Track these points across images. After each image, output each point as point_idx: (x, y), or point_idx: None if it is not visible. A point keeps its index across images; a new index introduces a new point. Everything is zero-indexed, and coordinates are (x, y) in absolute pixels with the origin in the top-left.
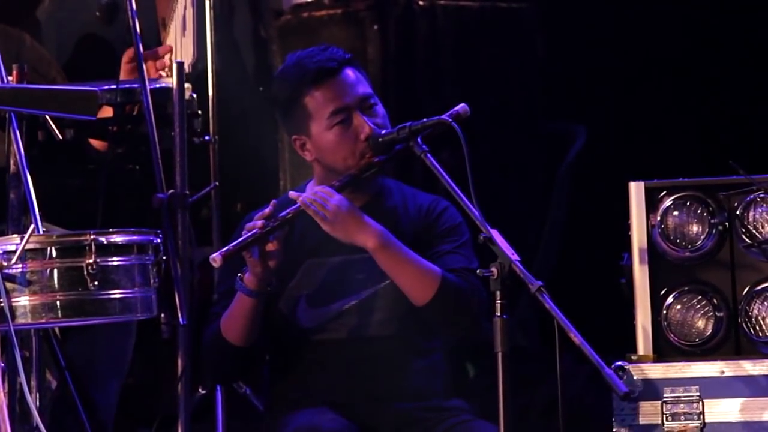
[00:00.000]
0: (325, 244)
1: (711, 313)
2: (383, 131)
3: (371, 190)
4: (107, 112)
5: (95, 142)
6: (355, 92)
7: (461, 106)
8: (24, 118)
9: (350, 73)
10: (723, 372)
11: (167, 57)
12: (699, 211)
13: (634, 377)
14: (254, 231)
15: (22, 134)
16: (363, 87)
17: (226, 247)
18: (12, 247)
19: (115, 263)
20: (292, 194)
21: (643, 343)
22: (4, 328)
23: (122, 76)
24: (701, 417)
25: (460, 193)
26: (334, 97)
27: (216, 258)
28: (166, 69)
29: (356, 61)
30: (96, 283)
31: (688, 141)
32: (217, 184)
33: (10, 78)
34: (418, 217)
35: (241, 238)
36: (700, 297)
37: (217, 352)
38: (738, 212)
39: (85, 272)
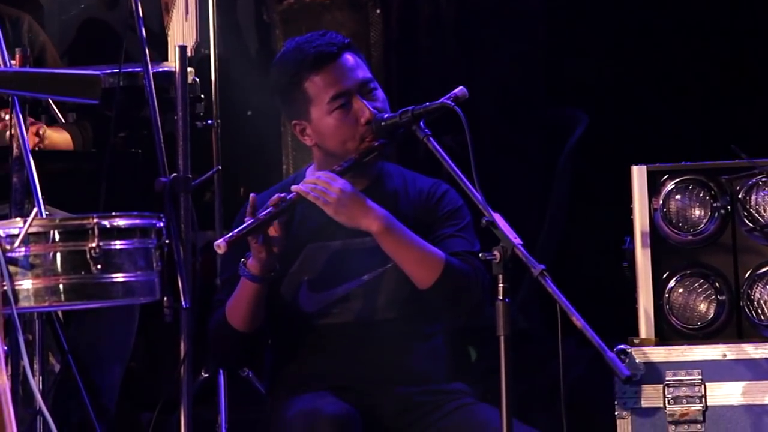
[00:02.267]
0: (326, 228)
1: (713, 297)
2: (385, 115)
3: (371, 174)
4: None
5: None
6: (354, 76)
7: (459, 89)
8: (27, 102)
9: (349, 57)
10: (725, 355)
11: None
12: (701, 195)
13: (637, 360)
14: (258, 216)
15: (25, 118)
16: (362, 71)
17: (230, 233)
18: (15, 231)
19: (117, 247)
20: (293, 188)
21: (645, 326)
22: (7, 312)
23: None
24: (703, 400)
25: (463, 177)
26: (334, 82)
27: (221, 244)
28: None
29: (355, 46)
30: (99, 266)
31: (691, 125)
32: (219, 168)
33: (12, 62)
34: (419, 200)
35: (244, 224)
36: (702, 280)
37: (223, 338)
38: (740, 196)
39: (88, 256)
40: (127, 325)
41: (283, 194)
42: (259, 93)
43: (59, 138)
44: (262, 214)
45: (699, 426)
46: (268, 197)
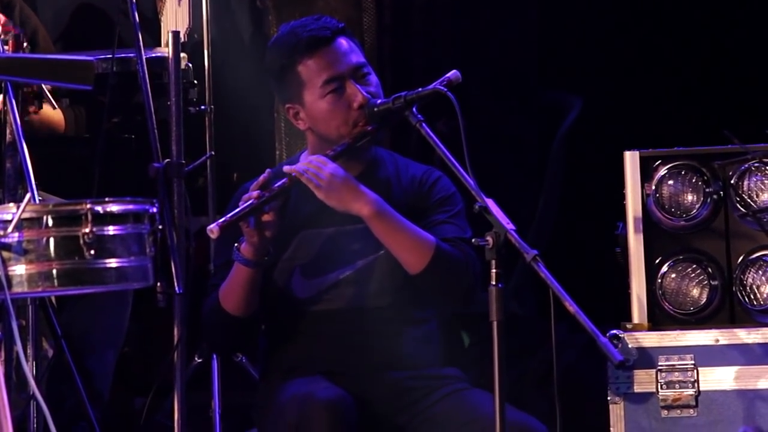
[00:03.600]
0: (319, 215)
1: (705, 282)
2: (378, 101)
3: (365, 159)
4: None
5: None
6: (348, 61)
7: (453, 73)
8: (20, 88)
9: (343, 42)
10: (717, 340)
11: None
12: (694, 180)
13: (629, 346)
14: (250, 201)
15: (18, 103)
16: (356, 56)
17: (223, 218)
18: (8, 216)
19: (111, 232)
20: (286, 169)
21: (638, 311)
22: (1, 297)
23: None
24: (696, 385)
25: (456, 163)
26: (328, 66)
27: (213, 229)
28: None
29: (349, 30)
30: (92, 252)
31: (683, 110)
32: (212, 153)
33: (6, 47)
34: (412, 187)
35: (237, 209)
36: (694, 266)
37: (217, 323)
38: (732, 181)
39: (82, 241)
40: (120, 310)
41: (271, 170)
42: (253, 79)
43: (53, 113)
44: (254, 198)
45: (691, 411)
46: None
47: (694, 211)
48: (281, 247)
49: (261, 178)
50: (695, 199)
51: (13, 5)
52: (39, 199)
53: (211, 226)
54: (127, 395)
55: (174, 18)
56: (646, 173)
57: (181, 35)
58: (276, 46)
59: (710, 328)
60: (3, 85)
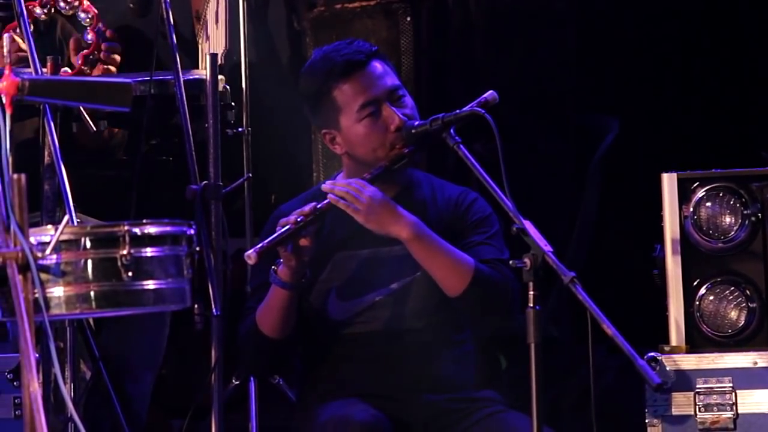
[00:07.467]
0: (355, 237)
1: (744, 304)
2: (415, 122)
3: (401, 181)
4: None
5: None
6: (383, 84)
7: (489, 93)
8: (58, 110)
9: (377, 65)
10: (756, 363)
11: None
12: (732, 202)
13: (667, 368)
14: (288, 226)
15: (56, 126)
16: (391, 79)
17: (260, 244)
18: (46, 238)
19: (148, 254)
20: (324, 187)
21: (676, 334)
22: (39, 319)
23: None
24: (734, 408)
25: (494, 185)
26: (363, 90)
27: (251, 255)
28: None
29: (383, 53)
30: (130, 273)
31: (721, 132)
32: (250, 175)
33: (44, 70)
34: (448, 208)
35: (275, 234)
36: (732, 288)
37: (254, 345)
38: None
39: (119, 263)
40: (158, 332)
41: (314, 203)
42: (290, 100)
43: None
44: (292, 223)
45: None
46: (296, 206)
47: (732, 233)
48: (317, 269)
49: (306, 209)
50: (733, 221)
51: (55, 22)
52: (77, 221)
53: (249, 251)
54: (165, 418)
55: (212, 40)
56: (684, 195)
57: (219, 57)
58: (310, 71)
59: (748, 351)
60: (41, 107)
